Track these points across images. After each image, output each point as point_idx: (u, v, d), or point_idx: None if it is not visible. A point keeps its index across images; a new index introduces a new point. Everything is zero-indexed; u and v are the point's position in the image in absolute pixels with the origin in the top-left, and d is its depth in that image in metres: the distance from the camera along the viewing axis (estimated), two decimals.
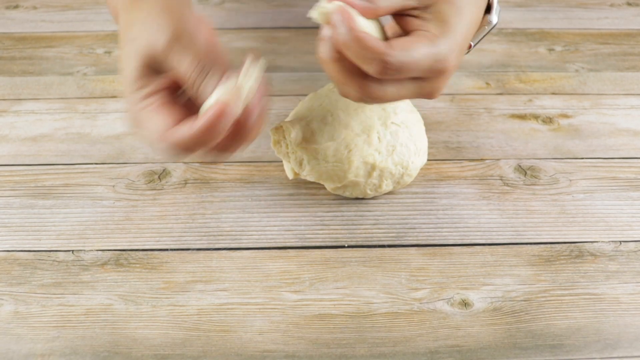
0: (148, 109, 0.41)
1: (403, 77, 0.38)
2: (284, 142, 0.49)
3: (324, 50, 0.38)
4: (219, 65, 0.40)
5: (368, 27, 0.38)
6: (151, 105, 0.41)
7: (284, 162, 0.51)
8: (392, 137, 0.49)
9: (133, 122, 0.42)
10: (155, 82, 0.41)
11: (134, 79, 0.41)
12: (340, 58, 0.38)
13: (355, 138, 0.48)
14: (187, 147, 0.39)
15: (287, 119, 0.50)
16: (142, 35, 0.41)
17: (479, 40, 0.47)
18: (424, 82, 0.39)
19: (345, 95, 0.40)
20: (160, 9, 0.42)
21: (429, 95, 0.40)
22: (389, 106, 0.50)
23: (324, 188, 0.52)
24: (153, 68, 0.41)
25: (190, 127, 0.38)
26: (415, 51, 0.37)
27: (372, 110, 0.49)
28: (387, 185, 0.50)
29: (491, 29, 0.46)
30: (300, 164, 0.49)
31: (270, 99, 0.40)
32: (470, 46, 0.45)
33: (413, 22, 0.40)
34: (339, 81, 0.39)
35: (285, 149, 0.49)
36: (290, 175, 0.51)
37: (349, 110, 0.50)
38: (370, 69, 0.37)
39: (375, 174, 0.48)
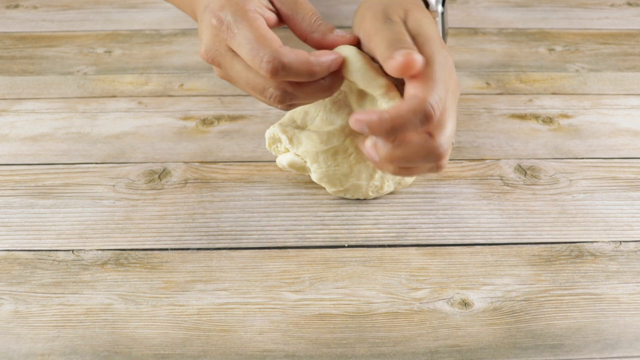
0: (255, 19, 0.41)
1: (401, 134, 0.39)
2: (281, 144, 0.49)
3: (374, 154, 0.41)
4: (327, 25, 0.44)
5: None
6: (257, 18, 0.41)
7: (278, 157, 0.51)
8: None
9: (231, 25, 0.40)
10: (261, 7, 0.42)
11: None
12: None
13: (355, 140, 0.48)
14: (292, 70, 0.40)
15: (284, 120, 0.50)
16: None
17: (444, 32, 0.51)
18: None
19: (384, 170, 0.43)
20: None
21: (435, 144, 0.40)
22: (390, 105, 0.50)
23: (324, 188, 0.52)
24: None
25: (307, 54, 0.40)
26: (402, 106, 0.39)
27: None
28: (388, 187, 0.50)
29: (443, 17, 0.51)
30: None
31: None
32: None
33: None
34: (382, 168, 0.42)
35: (284, 150, 0.50)
36: (282, 164, 0.51)
37: (344, 115, 0.49)
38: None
39: (377, 175, 0.48)
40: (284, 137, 0.48)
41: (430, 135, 0.39)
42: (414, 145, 0.39)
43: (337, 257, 0.46)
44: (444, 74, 0.39)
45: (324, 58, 0.41)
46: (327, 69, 0.41)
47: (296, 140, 0.48)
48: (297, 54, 0.40)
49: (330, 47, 0.43)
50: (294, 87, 0.41)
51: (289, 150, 0.49)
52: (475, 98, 0.64)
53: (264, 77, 0.41)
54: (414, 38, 0.41)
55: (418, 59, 0.38)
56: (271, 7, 0.43)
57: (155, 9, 0.84)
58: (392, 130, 0.38)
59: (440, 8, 0.51)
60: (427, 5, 0.50)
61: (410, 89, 0.39)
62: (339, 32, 0.43)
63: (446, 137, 0.40)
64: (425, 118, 0.38)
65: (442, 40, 0.44)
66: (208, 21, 0.41)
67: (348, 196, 0.50)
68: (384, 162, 0.41)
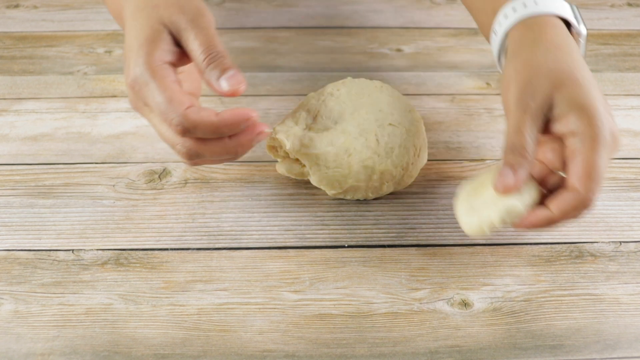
0: (164, 76, 0.41)
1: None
2: (280, 148, 0.49)
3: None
4: (227, 57, 0.42)
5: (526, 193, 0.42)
6: (166, 75, 0.41)
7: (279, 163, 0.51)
8: (390, 138, 0.48)
9: (143, 86, 0.41)
10: (168, 51, 0.42)
11: (152, 40, 0.42)
12: None
13: (353, 142, 0.48)
14: (203, 130, 0.40)
15: (283, 122, 0.50)
16: (168, 3, 0.42)
17: (584, 52, 0.49)
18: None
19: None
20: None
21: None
22: (387, 107, 0.50)
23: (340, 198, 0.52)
24: (169, 37, 0.42)
25: (213, 114, 0.40)
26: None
27: (369, 113, 0.49)
28: (387, 187, 0.50)
29: (586, 37, 0.48)
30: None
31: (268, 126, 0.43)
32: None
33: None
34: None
35: (283, 154, 0.50)
36: (281, 170, 0.51)
37: (346, 113, 0.49)
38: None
39: (375, 177, 0.48)
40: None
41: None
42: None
43: (337, 257, 0.46)
44: (605, 154, 0.40)
45: (232, 117, 0.41)
46: (231, 128, 0.41)
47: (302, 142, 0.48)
48: (202, 116, 0.40)
49: (219, 93, 0.42)
50: (199, 145, 0.42)
51: (287, 155, 0.49)
52: (475, 98, 0.64)
53: (173, 135, 0.42)
54: (562, 137, 0.42)
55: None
56: (175, 45, 0.43)
57: None
58: (553, 224, 0.42)
59: (584, 29, 0.48)
60: (568, 25, 0.47)
61: (573, 176, 0.40)
62: (229, 77, 0.42)
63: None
64: (583, 210, 0.41)
65: (603, 103, 0.43)
66: (125, 80, 0.42)
67: (348, 197, 0.50)
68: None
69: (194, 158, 0.43)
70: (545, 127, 0.43)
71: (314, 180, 0.49)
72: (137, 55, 0.41)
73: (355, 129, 0.48)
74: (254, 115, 0.41)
